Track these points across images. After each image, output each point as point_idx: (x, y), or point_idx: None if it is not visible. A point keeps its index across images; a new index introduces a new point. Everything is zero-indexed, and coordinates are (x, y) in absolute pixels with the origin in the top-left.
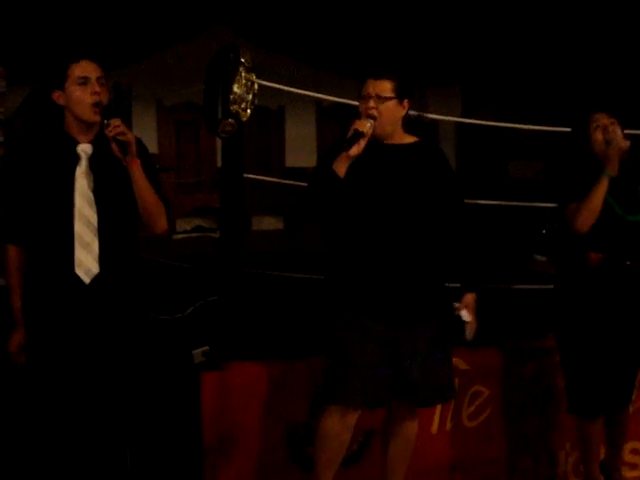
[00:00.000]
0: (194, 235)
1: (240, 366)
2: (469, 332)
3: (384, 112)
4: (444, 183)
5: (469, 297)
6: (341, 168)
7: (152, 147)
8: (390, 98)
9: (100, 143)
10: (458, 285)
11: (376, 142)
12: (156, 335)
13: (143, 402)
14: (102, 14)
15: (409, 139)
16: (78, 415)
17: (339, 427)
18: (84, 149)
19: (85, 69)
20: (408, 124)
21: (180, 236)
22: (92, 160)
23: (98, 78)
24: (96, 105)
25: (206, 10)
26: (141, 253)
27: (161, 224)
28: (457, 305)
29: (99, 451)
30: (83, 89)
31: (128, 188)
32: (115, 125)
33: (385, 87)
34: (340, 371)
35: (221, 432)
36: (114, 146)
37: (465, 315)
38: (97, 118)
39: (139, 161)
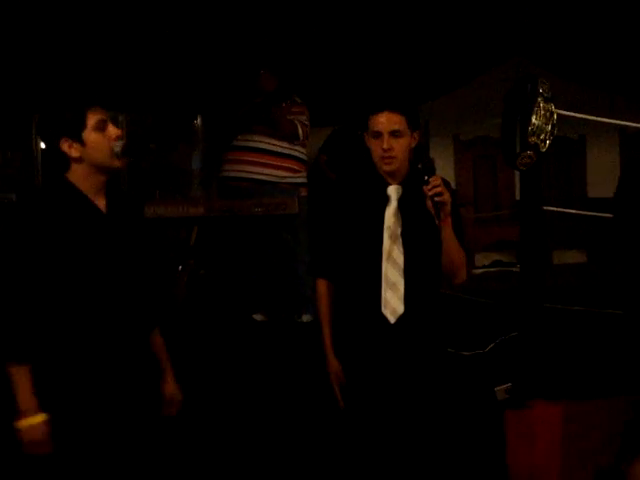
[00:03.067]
0: (493, 270)
1: (544, 404)
2: None
3: None
4: None
5: None
6: None
7: (451, 182)
8: None
9: (408, 185)
10: None
11: None
12: (458, 371)
13: (448, 438)
14: (399, 55)
15: None
16: (387, 449)
17: None
18: (395, 190)
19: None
20: None
21: (479, 271)
22: (400, 201)
23: None
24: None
25: (504, 42)
26: (442, 289)
27: (461, 275)
28: None
29: None
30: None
31: (433, 230)
32: (435, 185)
33: None
34: None
35: (524, 471)
36: (429, 203)
37: None
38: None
39: (450, 220)
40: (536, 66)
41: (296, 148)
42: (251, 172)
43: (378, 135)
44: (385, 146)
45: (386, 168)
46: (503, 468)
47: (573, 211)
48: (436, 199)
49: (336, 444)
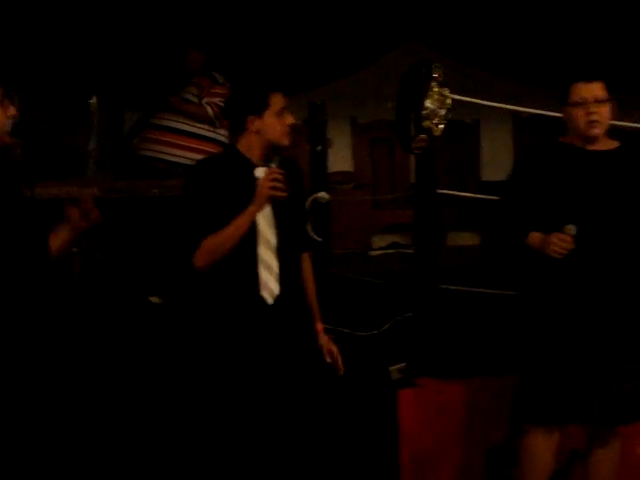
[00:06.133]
0: (390, 251)
1: (437, 383)
2: None
3: (605, 115)
4: None
5: None
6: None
7: (347, 165)
8: (607, 100)
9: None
10: None
11: (579, 148)
12: (352, 351)
13: (339, 417)
14: (297, 37)
15: (612, 144)
16: (265, 430)
17: (543, 447)
18: (263, 172)
19: (283, 101)
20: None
21: (376, 253)
22: None
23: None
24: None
25: (401, 26)
26: (337, 270)
27: None
28: None
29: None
30: (280, 119)
31: (299, 210)
32: (273, 175)
33: (600, 89)
34: (547, 389)
35: (417, 450)
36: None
37: None
38: (288, 142)
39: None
40: (432, 50)
41: (218, 131)
42: (166, 153)
43: (283, 112)
44: (291, 120)
45: (287, 142)
46: (395, 448)
47: (466, 194)
48: (272, 184)
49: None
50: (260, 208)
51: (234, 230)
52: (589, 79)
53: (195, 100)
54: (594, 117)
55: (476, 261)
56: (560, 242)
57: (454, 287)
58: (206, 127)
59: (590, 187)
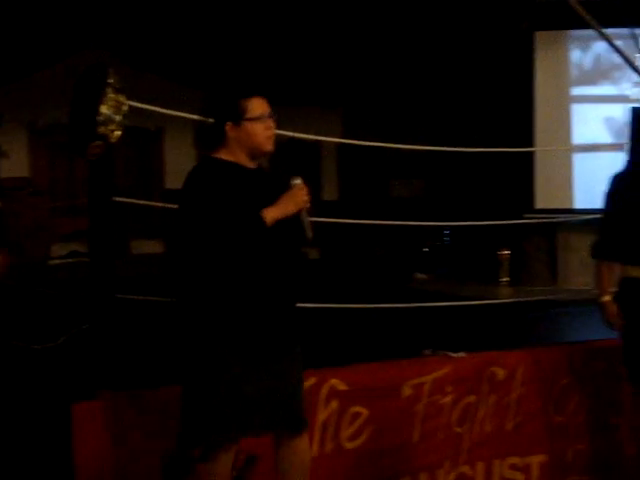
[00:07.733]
0: (70, 261)
1: (112, 395)
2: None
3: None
4: None
5: None
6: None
7: (24, 170)
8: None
9: None
10: None
11: (242, 167)
12: (26, 365)
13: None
14: None
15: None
16: None
17: (225, 464)
18: None
19: None
20: None
21: (55, 262)
22: None
23: None
24: None
25: (79, 31)
26: (11, 281)
27: None
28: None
29: None
30: None
31: None
32: None
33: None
34: (228, 407)
35: (93, 465)
36: None
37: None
38: None
39: None
40: (113, 56)
41: None
42: None
43: None
44: None
45: None
46: (70, 463)
47: (145, 202)
48: None
49: None
50: None
51: None
52: (264, 94)
53: None
54: (272, 132)
55: (161, 269)
56: (303, 192)
57: (132, 296)
58: None
59: (258, 205)
